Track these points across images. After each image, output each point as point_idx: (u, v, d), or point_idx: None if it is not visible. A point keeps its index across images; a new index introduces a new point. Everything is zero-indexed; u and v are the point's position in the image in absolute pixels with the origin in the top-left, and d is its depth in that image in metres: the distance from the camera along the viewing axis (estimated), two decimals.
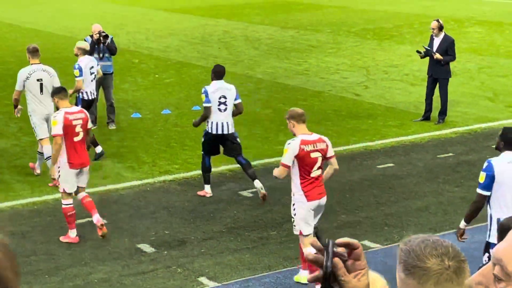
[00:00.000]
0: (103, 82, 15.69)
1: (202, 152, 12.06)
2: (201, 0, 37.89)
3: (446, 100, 15.73)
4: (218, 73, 12.12)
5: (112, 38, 15.78)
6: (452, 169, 13.01)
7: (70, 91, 12.63)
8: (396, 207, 11.39)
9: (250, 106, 17.37)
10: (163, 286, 9.19)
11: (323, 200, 9.05)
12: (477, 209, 7.98)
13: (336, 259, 1.92)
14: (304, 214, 8.89)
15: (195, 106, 16.88)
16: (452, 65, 16.13)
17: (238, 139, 12.14)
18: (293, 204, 9.01)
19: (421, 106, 16.12)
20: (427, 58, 15.74)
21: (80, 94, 14.23)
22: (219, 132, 11.81)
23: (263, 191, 11.50)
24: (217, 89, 11.85)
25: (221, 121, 11.79)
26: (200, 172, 12.26)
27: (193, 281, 9.32)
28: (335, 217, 10.88)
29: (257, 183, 11.61)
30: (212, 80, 12.03)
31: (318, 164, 8.92)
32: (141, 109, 17.10)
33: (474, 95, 18.04)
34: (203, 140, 12.08)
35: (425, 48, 15.79)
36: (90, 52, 15.51)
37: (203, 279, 9.35)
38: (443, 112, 15.75)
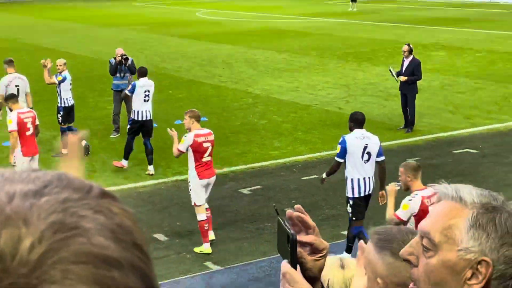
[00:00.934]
0: (125, 96, 15.62)
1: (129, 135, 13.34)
2: (208, 28, 37.89)
3: (414, 113, 15.73)
4: (142, 73, 13.55)
5: (132, 60, 15.74)
6: None
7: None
8: (371, 202, 11.32)
9: (249, 117, 17.36)
10: (175, 270, 9.15)
11: (212, 179, 9.92)
12: (334, 170, 9.58)
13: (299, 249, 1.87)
14: (197, 188, 9.70)
15: (202, 118, 16.81)
16: (419, 83, 16.12)
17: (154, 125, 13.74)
18: (189, 182, 9.88)
19: (393, 118, 16.12)
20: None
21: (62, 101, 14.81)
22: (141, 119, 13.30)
23: (152, 171, 12.89)
24: (143, 85, 13.40)
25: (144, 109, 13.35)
26: None
27: (200, 265, 9.27)
28: (320, 212, 10.85)
29: (151, 168, 12.98)
30: (139, 77, 13.55)
31: (208, 152, 9.80)
32: (157, 120, 17.04)
33: (438, 108, 18.01)
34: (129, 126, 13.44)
35: (391, 72, 16.01)
36: (113, 72, 15.50)
37: (208, 264, 9.31)
38: (411, 123, 15.74)
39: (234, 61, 26.43)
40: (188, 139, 9.76)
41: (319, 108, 18.31)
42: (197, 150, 9.73)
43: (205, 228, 9.67)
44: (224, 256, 9.54)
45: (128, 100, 15.71)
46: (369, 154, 9.39)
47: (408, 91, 15.61)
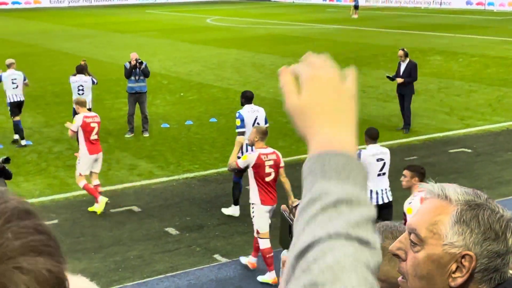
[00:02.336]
0: (139, 98, 15.68)
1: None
2: (217, 34, 37.92)
3: (410, 114, 15.71)
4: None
5: (146, 64, 15.77)
6: None
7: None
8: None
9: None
10: (185, 261, 9.17)
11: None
12: None
13: None
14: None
15: (212, 118, 16.87)
16: (416, 85, 16.11)
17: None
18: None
19: (392, 119, 16.09)
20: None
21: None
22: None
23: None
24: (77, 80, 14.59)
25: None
26: (215, 170, 12.22)
27: (209, 258, 9.29)
28: None
29: None
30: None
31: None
32: (169, 121, 17.10)
33: (434, 110, 17.99)
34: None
35: (388, 77, 15.98)
36: (128, 75, 15.52)
37: (217, 256, 9.33)
38: (408, 124, 15.73)
39: (241, 65, 26.44)
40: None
41: None
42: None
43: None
44: (232, 249, 9.55)
45: (142, 101, 15.78)
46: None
47: (406, 92, 15.61)
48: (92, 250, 9.53)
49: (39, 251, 0.80)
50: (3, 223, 0.79)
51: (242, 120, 10.83)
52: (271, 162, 8.63)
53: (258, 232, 8.68)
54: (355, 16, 48.11)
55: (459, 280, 1.62)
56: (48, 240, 0.83)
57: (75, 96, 14.44)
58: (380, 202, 9.17)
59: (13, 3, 65.74)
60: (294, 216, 1.89)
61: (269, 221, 8.70)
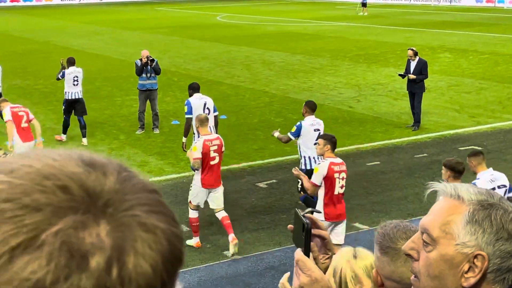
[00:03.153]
0: (150, 95, 15.72)
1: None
2: (227, 31, 37.93)
3: (420, 111, 15.67)
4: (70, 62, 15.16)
5: (157, 61, 15.79)
6: (426, 166, 12.94)
7: None
8: (381, 196, 11.34)
9: (266, 115, 17.38)
10: (196, 258, 9.19)
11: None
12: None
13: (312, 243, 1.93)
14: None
15: (222, 115, 16.87)
16: (426, 83, 16.06)
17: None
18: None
19: (401, 116, 16.05)
20: (406, 78, 15.75)
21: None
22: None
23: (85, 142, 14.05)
24: (71, 72, 14.93)
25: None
26: (226, 167, 12.24)
27: (219, 254, 9.31)
28: None
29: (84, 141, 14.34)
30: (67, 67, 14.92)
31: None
32: (179, 117, 17.12)
33: (444, 108, 17.93)
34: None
35: (400, 75, 15.92)
36: (139, 73, 15.57)
37: (227, 253, 9.34)
38: (418, 121, 15.69)
39: (251, 62, 26.44)
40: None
41: (331, 107, 18.29)
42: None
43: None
44: (242, 245, 9.57)
45: (152, 98, 15.82)
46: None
47: (416, 89, 15.56)
48: None
49: (160, 212, 0.78)
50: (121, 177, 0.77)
51: (190, 107, 11.92)
52: (215, 147, 9.40)
53: (190, 202, 9.70)
54: (364, 13, 47.92)
55: (472, 280, 1.61)
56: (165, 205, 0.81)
57: (68, 88, 15.02)
58: (313, 167, 9.74)
59: (25, 0, 66.00)
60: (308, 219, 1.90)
61: (205, 198, 9.65)
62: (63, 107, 15.28)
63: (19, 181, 0.70)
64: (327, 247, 1.97)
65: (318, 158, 9.58)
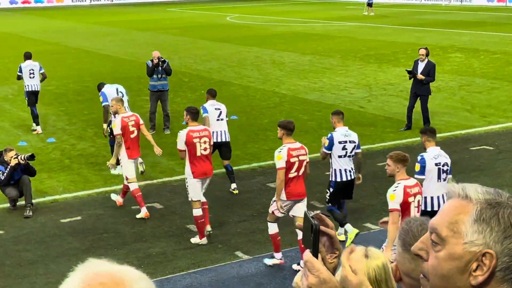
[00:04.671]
0: (161, 96, 15.78)
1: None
2: (237, 32, 37.97)
3: (427, 112, 15.59)
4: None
5: (168, 62, 15.85)
6: None
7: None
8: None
9: (276, 116, 17.38)
10: (207, 258, 9.22)
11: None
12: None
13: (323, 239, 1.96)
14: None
15: (232, 116, 16.90)
16: (437, 83, 16.04)
17: None
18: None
19: (413, 116, 16.00)
20: (412, 79, 15.70)
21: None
22: None
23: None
24: (27, 65, 15.93)
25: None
26: (237, 167, 12.24)
27: (230, 254, 9.34)
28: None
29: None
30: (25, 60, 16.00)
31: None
32: None
33: (455, 108, 17.89)
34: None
35: (408, 72, 15.80)
36: (150, 74, 15.63)
37: (238, 253, 9.37)
38: (427, 121, 15.64)
39: (262, 63, 26.46)
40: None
41: (342, 107, 18.24)
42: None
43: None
44: (253, 246, 9.60)
45: (163, 99, 15.87)
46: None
47: (422, 92, 15.48)
48: (115, 247, 9.63)
49: None
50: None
51: (105, 97, 13.21)
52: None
53: (127, 178, 10.79)
54: (370, 13, 47.77)
55: (480, 279, 1.62)
56: None
57: (27, 81, 16.07)
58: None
59: (36, 1, 66.30)
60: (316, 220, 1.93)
61: (141, 169, 11.74)
62: (26, 99, 16.17)
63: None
64: (334, 246, 2.00)
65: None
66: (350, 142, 9.70)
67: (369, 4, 48.42)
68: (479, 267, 1.62)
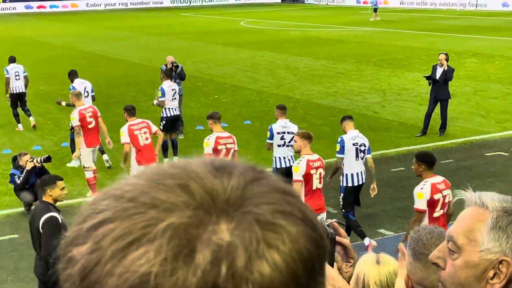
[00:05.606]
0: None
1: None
2: (251, 37, 38.03)
3: (446, 117, 15.54)
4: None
5: (182, 67, 15.91)
6: (452, 172, 12.84)
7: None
8: (406, 202, 11.27)
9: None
10: None
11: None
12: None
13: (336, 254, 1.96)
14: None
15: (246, 121, 16.92)
16: (451, 88, 15.95)
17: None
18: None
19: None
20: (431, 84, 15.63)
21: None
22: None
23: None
24: (13, 68, 16.67)
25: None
26: None
27: None
28: (358, 210, 10.81)
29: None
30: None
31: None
32: (203, 123, 17.17)
33: (470, 113, 17.81)
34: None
35: (426, 77, 15.71)
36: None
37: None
38: (444, 127, 15.57)
39: (275, 68, 26.48)
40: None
41: (356, 112, 18.24)
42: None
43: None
44: None
45: (178, 104, 15.91)
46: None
47: (442, 96, 15.39)
48: None
49: (288, 213, 0.72)
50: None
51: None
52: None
53: (84, 167, 11.67)
54: (376, 18, 47.66)
55: (497, 286, 1.62)
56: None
57: (13, 83, 16.87)
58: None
59: (51, 6, 66.78)
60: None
61: (94, 158, 11.93)
62: (9, 100, 17.00)
63: (143, 181, 0.74)
64: (348, 255, 2.00)
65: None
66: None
67: (375, 10, 48.41)
68: (496, 275, 1.62)
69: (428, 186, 7.71)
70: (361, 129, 16.34)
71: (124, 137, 10.92)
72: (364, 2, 65.52)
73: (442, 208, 7.80)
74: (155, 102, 14.50)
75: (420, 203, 7.70)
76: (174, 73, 15.61)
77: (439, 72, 15.29)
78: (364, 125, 16.72)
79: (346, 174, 9.72)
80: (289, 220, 0.72)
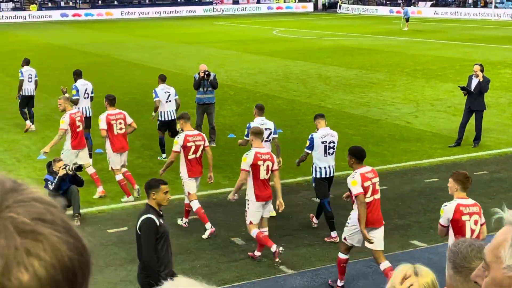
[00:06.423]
0: (207, 109, 15.86)
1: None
2: (283, 46, 38.06)
3: (481, 128, 15.33)
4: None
5: (215, 76, 15.95)
6: (486, 184, 12.67)
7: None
8: (439, 213, 11.13)
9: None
10: (252, 271, 9.20)
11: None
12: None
13: None
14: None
15: (278, 130, 16.88)
16: (486, 99, 15.74)
17: None
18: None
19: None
20: (466, 94, 15.42)
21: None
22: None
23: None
24: (27, 70, 17.47)
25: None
26: (281, 181, 12.22)
27: (275, 269, 9.30)
28: (390, 221, 10.70)
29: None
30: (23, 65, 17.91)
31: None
32: (235, 131, 17.23)
33: (505, 124, 17.56)
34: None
35: (461, 88, 15.48)
36: (197, 86, 15.72)
37: (283, 267, 9.33)
38: (478, 138, 15.36)
39: (307, 77, 26.44)
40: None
41: (388, 122, 18.12)
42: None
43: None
44: (298, 260, 9.54)
45: (210, 112, 15.96)
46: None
47: (477, 107, 15.17)
48: None
49: (49, 221, 0.75)
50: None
51: (77, 91, 15.20)
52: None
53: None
54: (404, 28, 47.45)
55: None
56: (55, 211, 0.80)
57: (25, 85, 17.59)
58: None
59: (86, 15, 67.69)
60: None
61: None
62: (19, 100, 17.73)
63: None
64: None
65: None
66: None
67: (407, 19, 48.22)
68: None
69: (358, 175, 8.52)
70: (393, 139, 16.31)
71: (102, 124, 12.27)
72: (398, 12, 65.16)
73: (372, 194, 8.49)
74: (153, 114, 15.42)
75: (356, 189, 8.45)
76: (206, 81, 15.65)
77: (474, 83, 15.09)
78: (396, 135, 16.58)
79: (315, 167, 10.71)
80: (50, 229, 0.73)
